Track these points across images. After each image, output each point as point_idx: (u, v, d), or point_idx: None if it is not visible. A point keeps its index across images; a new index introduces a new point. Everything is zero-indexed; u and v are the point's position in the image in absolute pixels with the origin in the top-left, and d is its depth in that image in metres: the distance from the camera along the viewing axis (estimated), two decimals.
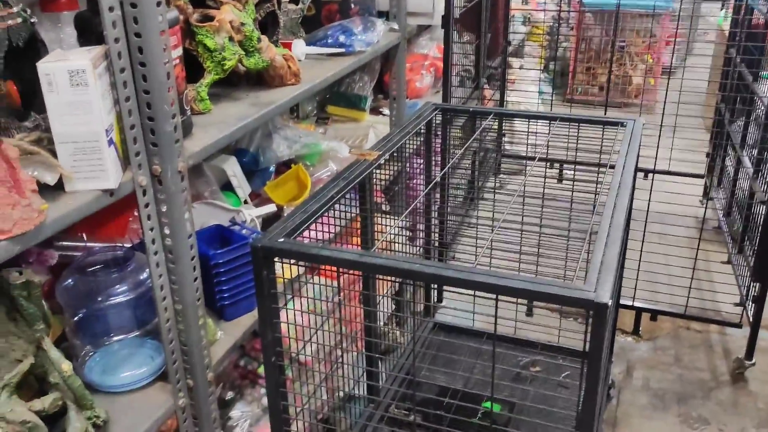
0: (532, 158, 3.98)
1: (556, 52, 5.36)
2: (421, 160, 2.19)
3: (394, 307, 2.61)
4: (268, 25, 1.87)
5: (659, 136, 2.74)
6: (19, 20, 1.06)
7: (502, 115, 2.07)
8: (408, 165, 2.44)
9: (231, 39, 1.43)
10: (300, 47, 1.87)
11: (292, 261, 1.31)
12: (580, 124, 2.00)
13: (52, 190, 1.04)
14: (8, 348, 1.04)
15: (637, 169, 1.89)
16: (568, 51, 5.70)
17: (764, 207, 2.16)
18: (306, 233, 1.46)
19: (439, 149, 2.28)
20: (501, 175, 3.95)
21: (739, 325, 2.40)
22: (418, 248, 2.38)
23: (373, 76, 2.72)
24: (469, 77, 3.26)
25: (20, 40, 1.07)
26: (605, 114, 3.02)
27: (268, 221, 1.88)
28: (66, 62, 0.99)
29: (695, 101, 4.23)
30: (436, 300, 2.71)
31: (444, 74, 2.43)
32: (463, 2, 2.73)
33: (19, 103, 1.15)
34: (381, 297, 2.23)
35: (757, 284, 2.23)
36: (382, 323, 2.38)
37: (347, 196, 1.63)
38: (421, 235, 2.40)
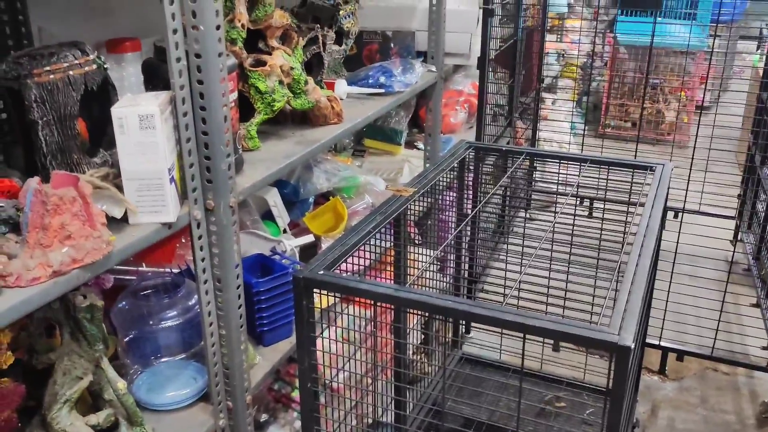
0: (564, 194, 4.04)
1: (589, 86, 5.41)
2: (454, 194, 2.26)
3: (423, 337, 2.67)
4: (313, 65, 1.98)
5: (689, 176, 2.78)
6: (95, 66, 1.17)
7: (533, 155, 2.14)
8: (441, 199, 2.52)
9: (281, 82, 1.53)
10: (342, 87, 1.97)
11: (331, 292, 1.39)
12: (612, 166, 2.07)
13: (117, 222, 1.14)
14: (71, 366, 1.13)
15: (665, 212, 1.94)
16: (602, 86, 5.75)
17: None
18: (343, 264, 1.54)
19: (471, 184, 2.36)
20: (531, 210, 4.00)
21: (766, 369, 2.41)
22: (447, 280, 2.45)
23: (409, 111, 2.81)
24: (502, 113, 3.34)
25: (95, 84, 1.17)
26: (636, 150, 3.07)
27: (305, 250, 1.97)
28: (137, 107, 1.10)
29: (728, 140, 4.26)
30: (464, 332, 2.77)
31: (478, 113, 2.52)
32: (499, 43, 2.82)
33: (87, 139, 1.26)
34: (411, 328, 2.30)
35: None
36: (411, 353, 2.43)
37: (382, 229, 1.71)
38: (451, 267, 2.46)
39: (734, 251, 2.56)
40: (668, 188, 1.95)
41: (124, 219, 1.15)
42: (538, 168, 4.22)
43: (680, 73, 5.39)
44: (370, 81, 2.01)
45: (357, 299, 1.83)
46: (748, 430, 2.35)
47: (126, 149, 1.11)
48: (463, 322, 2.45)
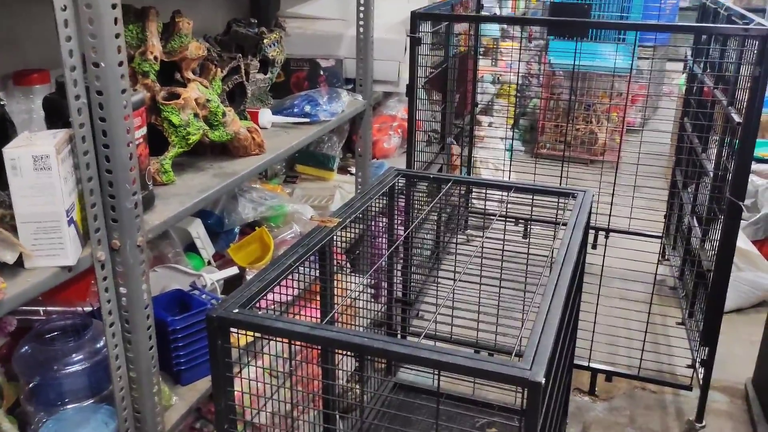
0: (492, 215, 4.09)
1: (517, 108, 5.53)
2: (386, 220, 2.26)
3: (356, 364, 2.64)
4: (235, 95, 1.95)
5: (612, 198, 2.85)
6: None
7: (460, 182, 2.16)
8: (372, 225, 2.52)
9: (196, 115, 1.50)
10: (266, 116, 1.95)
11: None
12: (535, 193, 2.11)
13: (11, 267, 1.08)
14: None
15: (586, 237, 1.98)
16: (538, 108, 5.89)
17: (711, 274, 2.25)
18: (267, 297, 1.52)
19: (403, 209, 2.37)
20: (468, 231, 4.04)
21: (689, 388, 2.47)
22: (381, 307, 2.44)
23: (342, 136, 2.81)
24: (435, 138, 3.37)
25: None
26: (561, 173, 3.14)
27: (230, 283, 1.93)
28: (31, 148, 1.05)
29: (657, 161, 4.40)
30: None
31: (408, 139, 2.53)
32: (430, 69, 2.85)
33: None
34: (340, 360, 2.28)
35: (706, 348, 2.31)
36: (344, 381, 2.41)
37: (308, 261, 1.69)
38: (383, 295, 2.45)
39: (656, 272, 2.63)
40: (590, 213, 2.00)
41: (20, 263, 1.10)
42: (474, 191, 4.28)
43: (613, 95, 5.56)
44: (296, 110, 2.00)
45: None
46: None
47: (20, 191, 1.06)
48: None
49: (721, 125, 2.39)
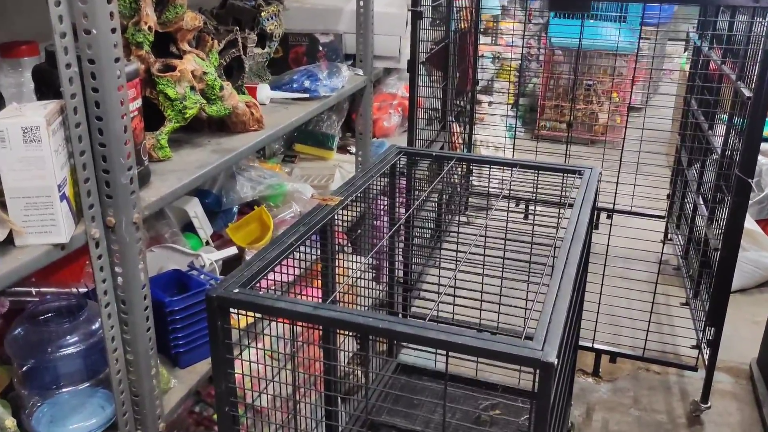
0: (495, 195, 4.05)
1: (518, 88, 5.46)
2: (387, 200, 2.22)
3: (358, 346, 2.61)
4: (233, 69, 1.89)
5: (617, 179, 2.81)
6: None
7: (463, 160, 2.10)
8: (374, 205, 2.47)
9: (192, 88, 1.44)
10: (265, 92, 1.90)
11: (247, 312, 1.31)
12: (540, 170, 2.06)
13: (1, 245, 1.03)
14: None
15: (593, 214, 1.93)
16: (538, 87, 5.82)
17: (717, 254, 2.21)
18: (267, 277, 1.47)
19: (404, 189, 2.32)
20: (469, 213, 4.00)
21: (695, 369, 2.44)
22: (382, 288, 2.40)
23: (342, 114, 2.75)
24: (436, 116, 3.31)
25: None
26: (566, 153, 3.09)
27: (229, 263, 1.88)
28: (20, 119, 1.00)
29: (658, 141, 4.35)
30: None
31: (410, 117, 2.47)
32: (431, 45, 2.78)
33: None
34: (342, 341, 2.24)
35: (712, 329, 2.28)
36: (345, 362, 2.37)
37: (309, 240, 1.64)
38: (385, 275, 2.41)
39: (662, 252, 2.60)
40: (596, 191, 1.95)
41: (10, 241, 1.05)
42: (474, 171, 4.23)
43: (613, 75, 5.50)
44: (295, 86, 1.94)
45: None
46: (679, 429, 2.38)
47: (8, 164, 1.01)
48: None
49: (729, 100, 2.34)
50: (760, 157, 3.58)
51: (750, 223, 3.27)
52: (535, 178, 2.09)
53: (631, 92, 4.30)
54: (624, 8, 5.48)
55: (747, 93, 2.03)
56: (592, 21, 5.68)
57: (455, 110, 3.84)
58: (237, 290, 1.27)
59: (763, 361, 2.60)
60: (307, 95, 1.92)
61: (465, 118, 4.00)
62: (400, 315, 2.65)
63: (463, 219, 4.05)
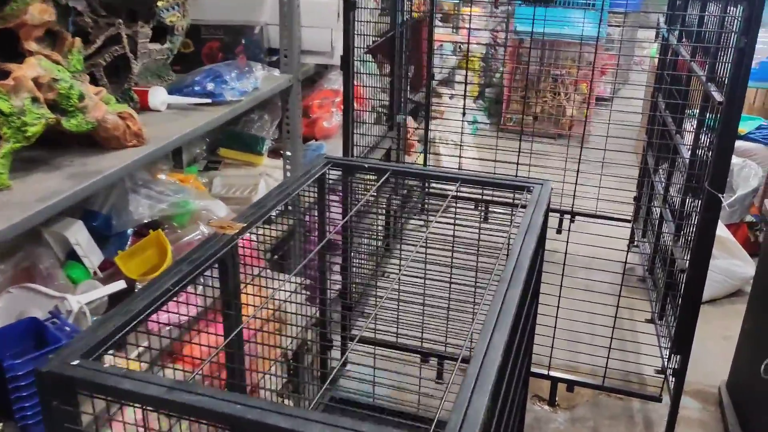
0: (453, 197, 3.80)
1: (483, 79, 5.20)
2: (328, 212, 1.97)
3: (290, 372, 2.34)
4: (120, 70, 1.60)
5: (576, 178, 2.58)
6: None
7: (400, 173, 1.84)
8: (308, 218, 2.20)
9: (35, 100, 1.15)
10: (159, 96, 1.61)
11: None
12: (485, 186, 1.80)
13: None
14: None
15: (543, 240, 1.69)
16: (503, 77, 5.57)
17: (684, 275, 1.98)
18: (157, 316, 1.21)
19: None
20: (423, 215, 3.74)
21: (659, 399, 2.22)
22: (312, 314, 2.14)
23: (276, 114, 2.46)
24: (386, 114, 3.04)
25: None
26: (528, 151, 2.85)
27: (118, 299, 1.60)
28: None
29: (627, 134, 4.15)
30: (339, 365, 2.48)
31: (345, 121, 2.20)
32: (374, 38, 2.50)
33: None
34: (273, 362, 1.99)
35: (678, 356, 2.06)
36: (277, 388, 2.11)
37: (206, 274, 1.38)
38: (323, 293, 2.15)
39: (626, 261, 2.36)
40: (548, 209, 1.70)
41: None
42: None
43: (581, 65, 5.26)
44: (196, 88, 1.65)
45: None
46: None
47: None
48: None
49: (699, 104, 2.10)
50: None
51: (720, 229, 3.06)
52: (482, 193, 1.85)
53: (592, 81, 4.06)
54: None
55: (718, 97, 1.79)
56: (560, 8, 5.44)
57: (409, 106, 3.57)
58: (77, 362, 1.00)
59: (733, 385, 2.39)
60: (209, 100, 1.63)
61: (421, 113, 3.74)
62: (340, 336, 2.40)
63: (420, 221, 3.81)
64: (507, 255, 1.46)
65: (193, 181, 2.08)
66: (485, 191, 1.87)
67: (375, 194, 2.04)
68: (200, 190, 2.00)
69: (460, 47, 4.56)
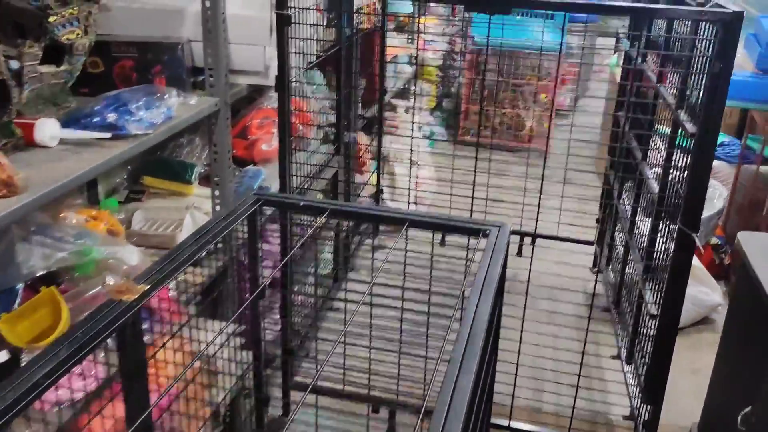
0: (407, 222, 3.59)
1: (440, 90, 5.02)
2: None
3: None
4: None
5: (539, 202, 2.40)
6: None
7: (339, 213, 1.61)
8: (238, 259, 1.97)
9: None
10: (48, 129, 1.36)
11: None
12: (436, 229, 1.60)
13: None
14: None
15: (502, 289, 1.49)
16: (462, 90, 5.39)
17: (655, 322, 1.80)
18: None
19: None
20: (380, 236, 3.53)
21: None
22: (246, 368, 1.90)
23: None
24: (333, 134, 2.81)
25: None
26: (486, 165, 2.66)
27: (2, 372, 1.35)
28: None
29: (588, 148, 4.02)
30: (280, 414, 2.25)
31: (281, 150, 1.96)
32: (317, 53, 2.28)
33: None
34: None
35: (649, 407, 1.88)
36: None
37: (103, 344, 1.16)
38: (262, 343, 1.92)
39: (594, 293, 2.19)
40: (506, 257, 1.50)
41: None
42: (385, 189, 3.76)
43: (540, 75, 5.12)
44: (96, 120, 1.41)
45: None
46: None
47: None
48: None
49: (666, 119, 1.92)
50: None
51: None
52: (432, 239, 1.65)
53: (554, 94, 3.91)
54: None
55: (691, 128, 1.61)
56: (518, 17, 5.30)
57: (360, 123, 3.36)
58: None
59: (705, 427, 2.22)
60: (108, 135, 1.39)
61: (375, 129, 3.53)
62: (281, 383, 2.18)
63: (370, 252, 3.59)
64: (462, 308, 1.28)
65: (108, 218, 1.83)
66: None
67: (315, 232, 1.82)
68: (113, 231, 1.74)
69: (415, 58, 4.36)
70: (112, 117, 1.39)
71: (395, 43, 4.02)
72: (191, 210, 1.99)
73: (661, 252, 1.85)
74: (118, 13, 1.73)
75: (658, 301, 1.80)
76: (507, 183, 3.04)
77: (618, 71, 4.46)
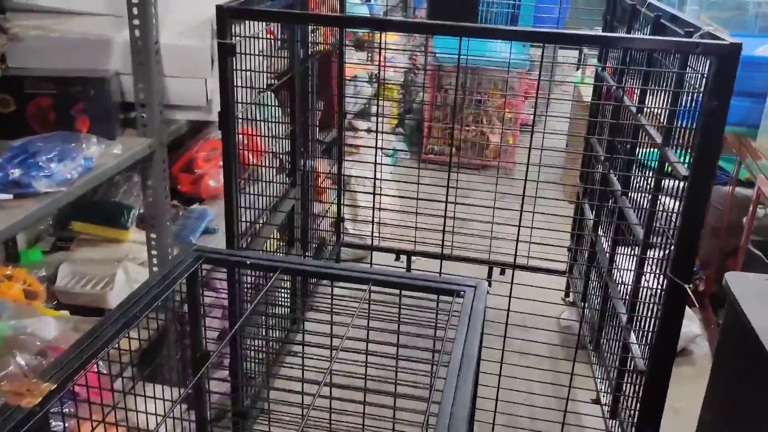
0: (376, 248, 3.41)
1: (402, 106, 4.84)
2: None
3: None
4: None
5: (519, 226, 2.23)
6: None
7: (290, 271, 1.41)
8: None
9: None
10: None
11: None
12: (403, 289, 1.40)
13: None
14: None
15: (479, 358, 1.30)
16: (424, 105, 5.23)
17: (643, 378, 1.64)
18: None
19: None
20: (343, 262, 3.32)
21: None
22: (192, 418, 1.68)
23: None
24: (289, 164, 2.60)
25: None
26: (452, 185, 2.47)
27: None
28: None
29: (555, 162, 3.87)
30: None
31: (227, 193, 1.75)
32: (270, 79, 2.08)
33: None
34: None
35: None
36: None
37: None
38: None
39: (579, 334, 2.02)
40: (484, 318, 1.32)
41: None
42: (347, 216, 3.56)
43: (504, 90, 4.98)
44: None
45: None
46: None
47: None
48: None
49: (652, 174, 1.76)
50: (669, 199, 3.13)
51: None
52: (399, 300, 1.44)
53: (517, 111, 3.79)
54: (514, 19, 4.99)
55: (683, 171, 1.45)
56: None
57: (318, 149, 3.15)
58: None
59: None
60: (10, 196, 1.16)
61: (334, 153, 3.32)
62: None
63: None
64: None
65: (25, 277, 1.59)
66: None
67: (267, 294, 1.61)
68: (31, 292, 1.50)
69: (376, 76, 4.18)
70: (16, 173, 1.17)
71: (355, 62, 3.83)
72: (125, 262, 1.75)
73: (647, 301, 1.69)
74: (32, 43, 1.50)
75: (645, 355, 1.64)
76: (474, 202, 2.88)
77: (583, 88, 4.35)
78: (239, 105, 1.65)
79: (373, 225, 3.02)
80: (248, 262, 1.41)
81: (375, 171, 2.84)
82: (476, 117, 5.05)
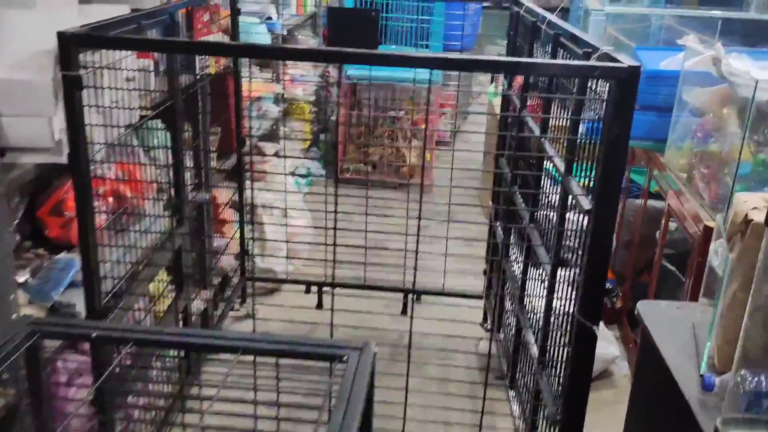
0: (285, 281, 3.21)
1: (315, 126, 4.68)
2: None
3: None
4: None
5: (417, 245, 2.09)
6: None
7: (148, 344, 1.21)
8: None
9: None
10: None
11: None
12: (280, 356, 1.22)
13: None
14: None
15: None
16: (338, 124, 5.06)
17: (556, 429, 1.52)
18: None
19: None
20: (247, 302, 3.11)
21: None
22: None
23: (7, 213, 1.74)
24: (173, 202, 2.38)
25: None
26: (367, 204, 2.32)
27: None
28: None
29: (471, 178, 3.80)
30: None
31: (82, 251, 1.52)
32: (145, 111, 1.87)
33: None
34: None
35: None
36: None
37: None
38: None
39: (489, 359, 1.90)
40: (371, 386, 1.15)
41: None
42: (257, 249, 3.35)
43: (419, 106, 4.89)
44: None
45: None
46: None
47: None
48: None
49: (557, 200, 1.65)
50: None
51: None
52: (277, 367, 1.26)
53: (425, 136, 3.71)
54: (425, 35, 4.91)
55: (586, 204, 1.34)
56: (393, 46, 5.08)
57: (218, 176, 2.94)
58: None
59: None
60: None
61: (236, 181, 3.11)
62: None
63: (243, 312, 3.17)
64: None
65: None
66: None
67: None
68: None
69: (283, 97, 3.99)
70: None
71: (259, 82, 3.63)
72: None
73: (556, 341, 1.58)
74: None
75: (557, 404, 1.52)
76: (391, 226, 2.74)
77: (497, 101, 4.30)
78: (94, 146, 1.44)
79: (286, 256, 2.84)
80: (93, 336, 1.20)
81: (285, 198, 2.66)
82: (391, 134, 4.94)
